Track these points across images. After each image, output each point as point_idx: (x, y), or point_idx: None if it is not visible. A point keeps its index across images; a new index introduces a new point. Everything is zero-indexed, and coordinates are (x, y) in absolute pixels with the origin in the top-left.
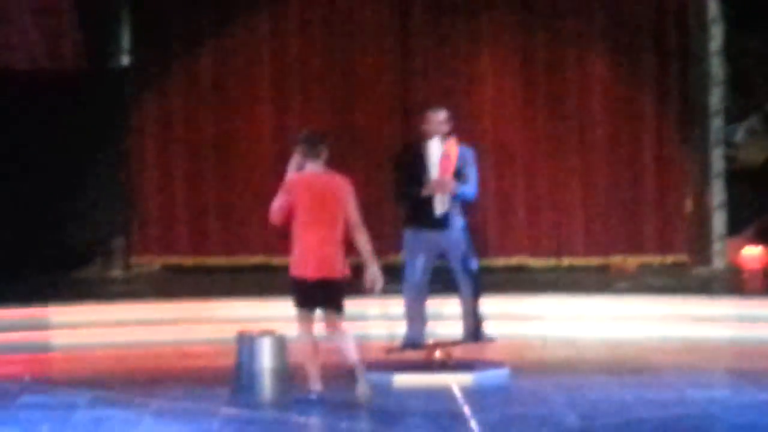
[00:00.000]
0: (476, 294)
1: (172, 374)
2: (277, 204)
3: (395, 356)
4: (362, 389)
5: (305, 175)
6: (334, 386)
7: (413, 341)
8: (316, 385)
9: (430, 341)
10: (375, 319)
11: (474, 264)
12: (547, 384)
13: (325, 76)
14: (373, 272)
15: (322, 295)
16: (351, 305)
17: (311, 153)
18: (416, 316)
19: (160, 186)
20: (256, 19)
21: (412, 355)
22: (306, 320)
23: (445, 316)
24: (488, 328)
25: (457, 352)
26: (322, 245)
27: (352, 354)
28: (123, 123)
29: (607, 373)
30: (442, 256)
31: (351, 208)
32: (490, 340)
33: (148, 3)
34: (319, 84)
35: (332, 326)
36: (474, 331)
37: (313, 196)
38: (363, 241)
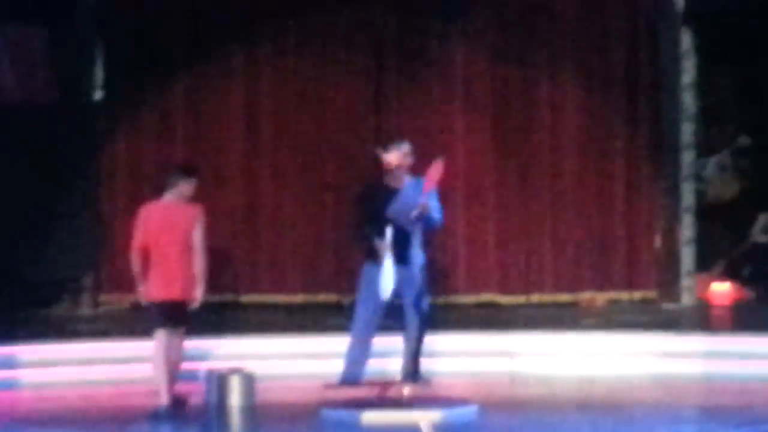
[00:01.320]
0: (422, 334)
1: (141, 413)
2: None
3: (331, 393)
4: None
5: (158, 204)
6: (298, 424)
7: (352, 378)
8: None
9: (367, 381)
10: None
11: (426, 303)
12: (516, 421)
13: (298, 111)
14: (199, 292)
15: (183, 315)
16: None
17: (168, 183)
18: (359, 353)
19: (129, 223)
20: (228, 55)
21: (352, 391)
22: (168, 338)
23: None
24: (427, 369)
25: (418, 390)
26: (182, 267)
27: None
28: (93, 159)
29: (576, 409)
30: (397, 294)
31: (196, 233)
32: (426, 381)
33: (120, 38)
34: (292, 120)
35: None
36: (412, 371)
37: (165, 223)
38: (199, 263)
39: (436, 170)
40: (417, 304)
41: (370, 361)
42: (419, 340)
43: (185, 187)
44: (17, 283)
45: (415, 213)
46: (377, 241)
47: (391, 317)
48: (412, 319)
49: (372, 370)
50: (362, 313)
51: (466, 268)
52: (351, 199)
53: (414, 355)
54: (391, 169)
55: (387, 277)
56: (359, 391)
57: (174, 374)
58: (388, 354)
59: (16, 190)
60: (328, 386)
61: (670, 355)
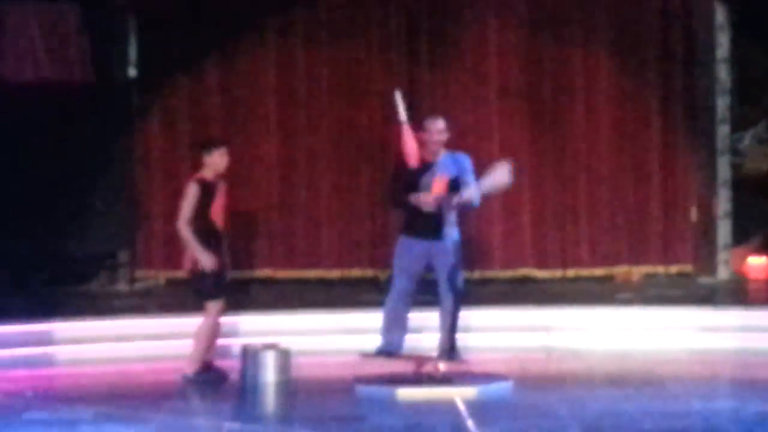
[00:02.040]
0: (456, 310)
1: (176, 389)
2: None
3: (369, 361)
4: None
5: (205, 179)
6: (333, 400)
7: (388, 350)
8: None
9: (403, 353)
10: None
11: (460, 279)
12: (552, 396)
13: (331, 92)
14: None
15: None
16: None
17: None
18: (395, 325)
19: (165, 200)
20: (262, 30)
21: (394, 365)
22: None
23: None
24: (463, 345)
25: (453, 366)
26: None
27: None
28: (129, 135)
29: (612, 384)
30: (429, 268)
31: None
32: (461, 360)
33: (154, 14)
34: (326, 96)
35: None
36: (448, 347)
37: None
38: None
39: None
40: (451, 280)
41: (407, 337)
42: (454, 316)
43: (209, 160)
44: (54, 260)
45: (414, 199)
46: (412, 196)
47: (428, 292)
48: (447, 295)
49: (408, 345)
50: (398, 285)
51: (502, 243)
52: (386, 174)
53: (449, 330)
54: (425, 143)
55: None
56: (395, 364)
57: (213, 348)
58: (424, 329)
59: (52, 167)
60: (364, 356)
61: (706, 329)
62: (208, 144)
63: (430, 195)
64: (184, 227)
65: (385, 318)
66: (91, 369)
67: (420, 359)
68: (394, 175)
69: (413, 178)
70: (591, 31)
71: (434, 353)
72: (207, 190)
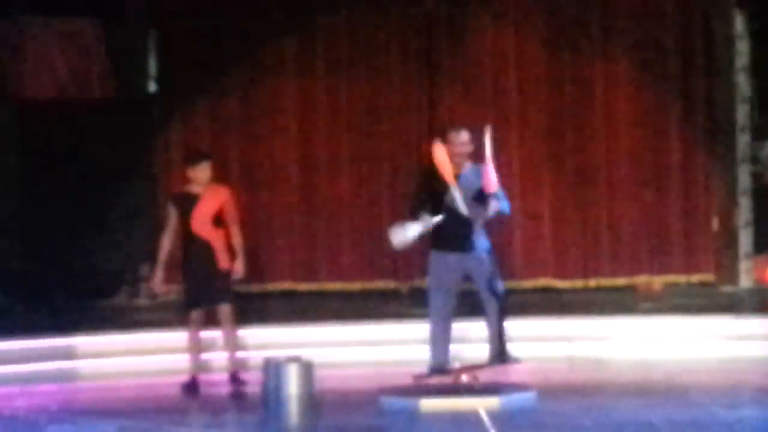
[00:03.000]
0: (502, 316)
1: (199, 402)
2: None
3: (423, 382)
4: None
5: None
6: (356, 412)
7: (439, 367)
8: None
9: (456, 365)
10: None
11: (500, 285)
12: (574, 406)
13: (351, 107)
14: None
15: None
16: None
17: None
18: (441, 341)
19: None
20: (281, 44)
21: (439, 380)
22: None
23: (472, 339)
24: (514, 349)
25: (484, 376)
26: None
27: None
28: (150, 150)
29: (635, 394)
30: (467, 278)
31: None
32: (516, 361)
33: (174, 30)
34: (346, 108)
35: None
36: (499, 353)
37: None
38: None
39: (490, 172)
40: (492, 288)
41: (454, 348)
42: (501, 322)
43: (191, 174)
44: (76, 274)
45: (487, 213)
46: (423, 214)
47: (469, 304)
48: (490, 303)
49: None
50: (435, 302)
51: (523, 253)
52: (408, 185)
53: (499, 337)
54: (450, 156)
55: (410, 230)
56: (449, 378)
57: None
58: (469, 340)
59: (73, 183)
60: (418, 377)
61: (729, 338)
62: (191, 158)
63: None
64: (160, 243)
65: (430, 335)
66: (114, 383)
67: (470, 369)
68: (418, 189)
69: (438, 192)
70: (610, 43)
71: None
72: (182, 203)
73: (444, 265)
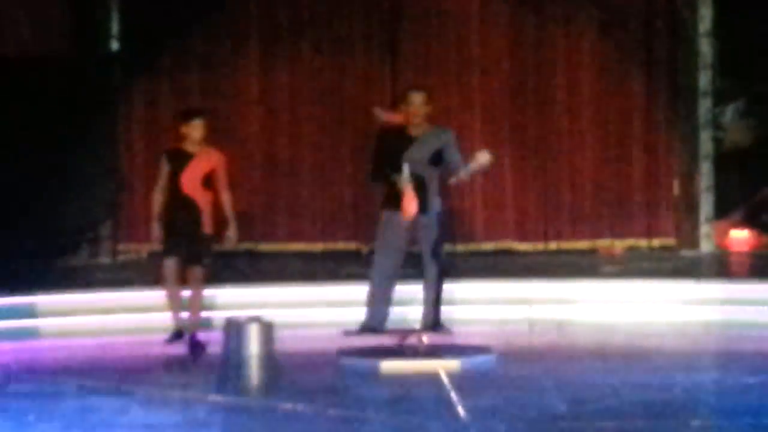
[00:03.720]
0: (440, 282)
1: (159, 362)
2: None
3: (353, 338)
4: None
5: None
6: (317, 373)
7: (372, 325)
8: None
9: (388, 328)
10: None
11: (443, 251)
12: (535, 369)
13: (316, 61)
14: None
15: None
16: None
17: None
18: (379, 300)
19: (148, 172)
20: (246, 6)
21: (373, 338)
22: None
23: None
24: (448, 317)
25: (440, 339)
26: None
27: None
28: (111, 109)
29: (595, 357)
30: (414, 241)
31: None
32: (447, 331)
33: None
34: (308, 67)
35: None
36: (432, 320)
37: None
38: None
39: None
40: (435, 253)
41: (391, 310)
42: (438, 289)
43: (184, 130)
44: (36, 233)
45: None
46: (395, 176)
47: (411, 265)
48: (431, 268)
49: (393, 318)
50: (382, 261)
51: (483, 216)
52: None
53: (434, 303)
54: (409, 116)
55: (409, 202)
56: (379, 339)
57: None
58: (408, 302)
59: (34, 141)
60: (348, 333)
61: (689, 302)
62: (184, 114)
63: (409, 210)
64: (152, 196)
65: (369, 293)
66: (75, 342)
67: (404, 332)
68: (376, 149)
69: (396, 153)
70: (573, 7)
71: (419, 326)
72: (175, 159)
73: (394, 225)
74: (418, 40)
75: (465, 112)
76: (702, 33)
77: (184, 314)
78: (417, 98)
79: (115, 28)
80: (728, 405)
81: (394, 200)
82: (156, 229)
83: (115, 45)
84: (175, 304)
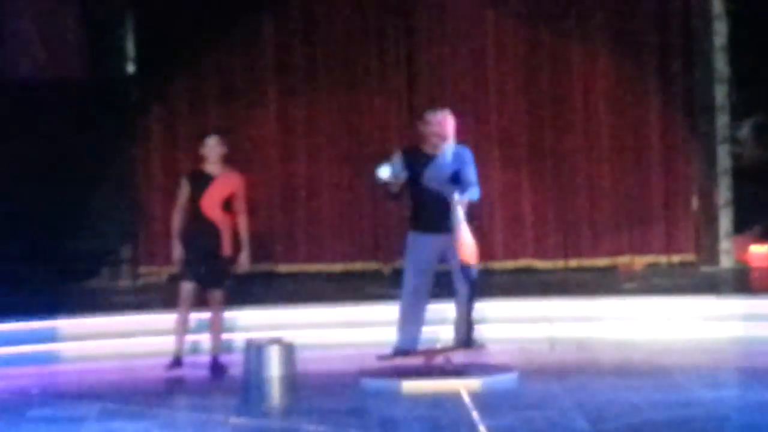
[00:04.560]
0: (471, 300)
1: (180, 384)
2: None
3: (387, 363)
4: None
5: None
6: (338, 394)
7: (404, 348)
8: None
9: (421, 349)
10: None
11: (473, 270)
12: (556, 387)
13: (331, 79)
14: None
15: None
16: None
17: None
18: (411, 322)
19: (167, 195)
20: (259, 24)
21: (405, 361)
22: None
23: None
24: (480, 334)
25: (463, 358)
26: None
27: None
28: (129, 132)
29: (616, 375)
30: (443, 260)
31: None
32: (481, 347)
33: (152, 11)
34: (325, 88)
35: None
36: (465, 337)
37: None
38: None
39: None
40: (465, 270)
41: (424, 329)
42: (470, 306)
43: (202, 151)
44: (56, 257)
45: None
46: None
47: (441, 285)
48: (461, 286)
49: (426, 338)
50: (410, 281)
51: (502, 234)
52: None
53: (466, 321)
54: (427, 136)
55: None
56: (412, 360)
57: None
58: (440, 322)
59: (52, 165)
60: (381, 357)
61: (710, 318)
62: (201, 135)
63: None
64: (172, 217)
65: (400, 315)
66: (96, 365)
67: (435, 352)
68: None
69: (416, 172)
70: (588, 23)
71: (450, 344)
72: (196, 182)
73: (421, 246)
74: (431, 52)
75: (480, 131)
76: (717, 48)
77: (206, 337)
78: (434, 117)
79: (130, 50)
80: (750, 421)
81: (421, 220)
82: (177, 248)
83: (131, 67)
84: (181, 329)
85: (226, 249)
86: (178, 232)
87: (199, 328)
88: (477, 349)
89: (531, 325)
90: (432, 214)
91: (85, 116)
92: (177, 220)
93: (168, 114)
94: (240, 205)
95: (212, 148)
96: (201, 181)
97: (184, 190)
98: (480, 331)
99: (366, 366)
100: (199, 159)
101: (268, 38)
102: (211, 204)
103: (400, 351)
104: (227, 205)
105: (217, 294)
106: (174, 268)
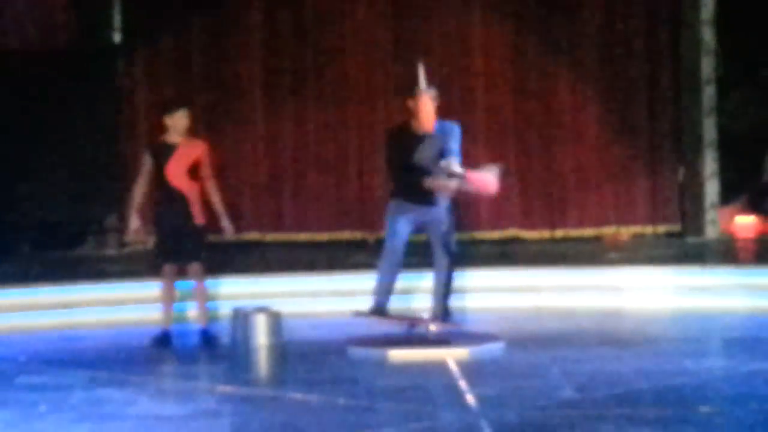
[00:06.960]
0: (451, 273)
1: (167, 353)
2: None
3: (361, 319)
4: None
5: None
6: (325, 363)
7: (381, 309)
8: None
9: (398, 315)
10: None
11: (454, 243)
12: (543, 356)
13: (318, 49)
14: None
15: None
16: None
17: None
18: (387, 285)
19: None
20: None
21: (386, 326)
22: None
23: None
24: (456, 306)
25: (450, 329)
26: None
27: None
28: (115, 101)
29: (603, 344)
30: (421, 230)
31: None
32: (454, 323)
33: None
34: (312, 57)
35: None
36: (440, 311)
37: None
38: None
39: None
40: (446, 244)
41: (398, 299)
42: (449, 279)
43: (169, 122)
44: (41, 226)
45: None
46: (427, 180)
47: (420, 255)
48: (441, 259)
49: (399, 306)
50: (391, 247)
51: (489, 204)
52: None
53: (444, 294)
54: (417, 113)
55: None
56: (386, 325)
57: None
58: (415, 291)
59: (38, 133)
60: (357, 314)
61: (695, 288)
62: (167, 105)
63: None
64: (132, 189)
65: (378, 279)
66: (83, 333)
67: (413, 320)
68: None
69: (408, 148)
70: None
71: (426, 314)
72: (159, 152)
73: (404, 214)
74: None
75: (466, 100)
76: (704, 20)
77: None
78: (428, 93)
79: (117, 19)
80: (735, 391)
81: (405, 190)
82: (134, 221)
83: (117, 37)
84: (168, 300)
85: (198, 217)
86: (138, 206)
87: (185, 297)
88: (451, 324)
89: (518, 295)
90: (416, 186)
91: (70, 86)
92: (138, 193)
93: (153, 83)
94: (206, 171)
95: (180, 118)
96: (164, 150)
97: (147, 163)
98: (456, 304)
99: (353, 335)
100: (162, 130)
101: (255, 4)
102: (176, 173)
103: (377, 311)
104: (194, 173)
105: (195, 266)
106: (130, 237)
